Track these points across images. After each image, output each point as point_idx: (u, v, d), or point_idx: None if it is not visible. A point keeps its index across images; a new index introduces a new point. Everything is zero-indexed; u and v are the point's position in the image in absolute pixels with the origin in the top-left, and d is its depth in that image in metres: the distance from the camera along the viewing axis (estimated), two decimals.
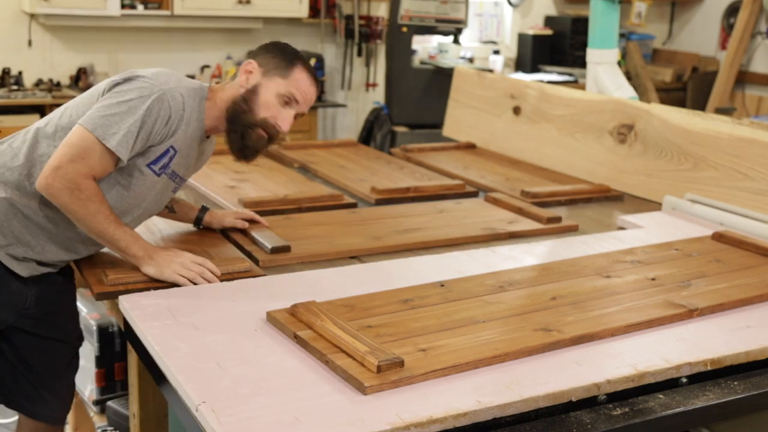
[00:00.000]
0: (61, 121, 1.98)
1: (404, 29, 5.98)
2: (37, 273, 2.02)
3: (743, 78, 6.96)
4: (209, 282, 1.96)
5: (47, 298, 2.09)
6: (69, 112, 1.99)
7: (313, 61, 6.02)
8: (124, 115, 1.88)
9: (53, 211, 1.96)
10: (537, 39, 7.08)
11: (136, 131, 1.88)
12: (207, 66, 6.08)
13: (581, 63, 5.19)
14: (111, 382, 3.01)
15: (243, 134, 2.03)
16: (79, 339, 2.29)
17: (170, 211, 2.29)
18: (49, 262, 2.03)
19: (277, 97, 2.03)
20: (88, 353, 2.80)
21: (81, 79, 5.46)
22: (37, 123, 2.04)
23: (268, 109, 2.02)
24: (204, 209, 2.34)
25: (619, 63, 3.84)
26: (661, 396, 1.59)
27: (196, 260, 1.98)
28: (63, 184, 1.84)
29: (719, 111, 6.14)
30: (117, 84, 1.94)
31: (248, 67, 2.05)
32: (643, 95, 6.79)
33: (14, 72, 5.41)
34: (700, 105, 6.95)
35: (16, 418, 3.16)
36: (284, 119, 2.04)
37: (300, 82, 2.05)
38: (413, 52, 6.31)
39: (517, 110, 3.76)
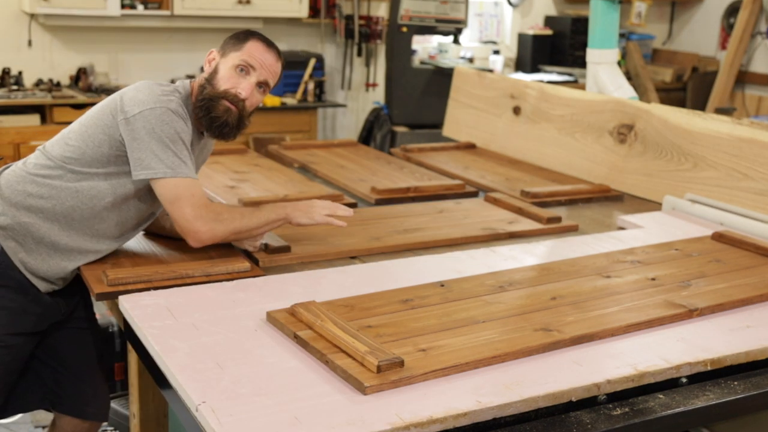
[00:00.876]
0: (67, 152, 2.05)
1: (404, 29, 5.97)
2: (65, 285, 2.14)
3: (743, 78, 6.96)
4: (344, 216, 2.21)
5: (73, 295, 2.20)
6: (80, 144, 2.05)
7: (313, 62, 6.03)
8: (168, 145, 1.98)
9: (78, 233, 2.05)
10: (537, 39, 7.08)
11: (183, 147, 2.01)
12: None
13: (581, 63, 5.19)
14: (111, 382, 3.02)
15: (208, 107, 2.11)
16: (97, 324, 2.39)
17: None
18: (75, 271, 2.12)
19: (234, 68, 2.12)
20: None
21: (81, 79, 5.45)
22: (56, 152, 2.08)
23: (227, 81, 2.12)
24: None
25: (619, 63, 3.83)
26: (661, 396, 1.59)
27: (328, 204, 2.20)
28: (205, 224, 2.00)
29: (719, 111, 6.14)
30: (128, 121, 1.99)
31: (210, 56, 2.18)
32: (643, 95, 6.79)
33: (14, 72, 5.41)
34: (700, 105, 6.94)
35: (16, 418, 3.17)
36: (244, 87, 2.12)
37: (253, 50, 2.13)
38: (413, 52, 6.31)
39: (517, 110, 3.76)
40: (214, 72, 2.14)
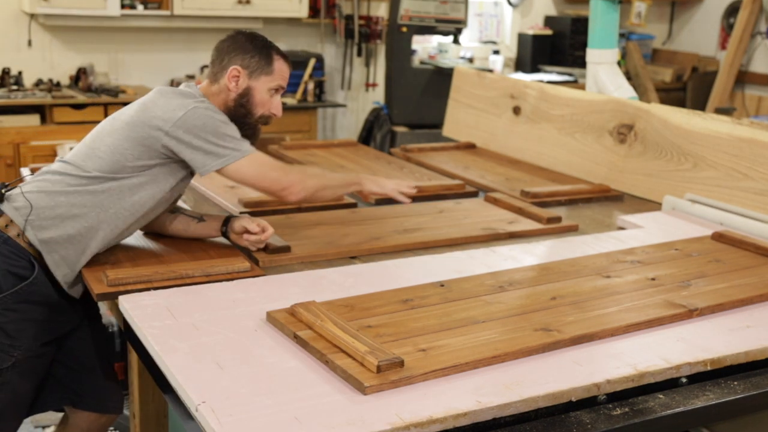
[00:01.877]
0: (103, 165, 2.08)
1: (404, 29, 5.97)
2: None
3: (743, 78, 6.96)
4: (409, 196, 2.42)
5: (83, 297, 2.19)
6: (117, 157, 2.07)
7: (312, 62, 6.03)
8: (223, 132, 2.07)
9: (118, 239, 2.13)
10: (537, 39, 7.08)
11: (233, 128, 2.11)
12: (206, 66, 6.06)
13: (581, 63, 5.19)
14: None
15: (250, 135, 2.22)
16: (100, 317, 2.42)
17: (199, 220, 2.29)
18: None
19: (268, 92, 2.22)
20: None
21: (81, 79, 5.45)
22: (89, 165, 2.09)
23: (263, 106, 2.23)
24: (228, 219, 2.27)
25: (619, 63, 3.84)
26: (661, 396, 1.59)
27: (397, 181, 2.41)
28: (295, 176, 2.14)
29: (719, 111, 6.14)
30: (175, 127, 2.03)
31: (233, 72, 2.20)
32: (643, 95, 6.79)
33: (14, 72, 5.40)
34: (700, 105, 6.94)
35: None
36: (277, 106, 2.26)
37: (283, 72, 2.25)
38: (413, 52, 6.31)
39: (517, 110, 3.76)
40: (247, 96, 2.19)
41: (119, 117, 2.13)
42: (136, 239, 2.26)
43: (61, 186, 2.07)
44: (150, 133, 2.04)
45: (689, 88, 7.31)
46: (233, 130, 2.10)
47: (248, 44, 2.21)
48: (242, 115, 2.19)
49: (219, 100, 2.19)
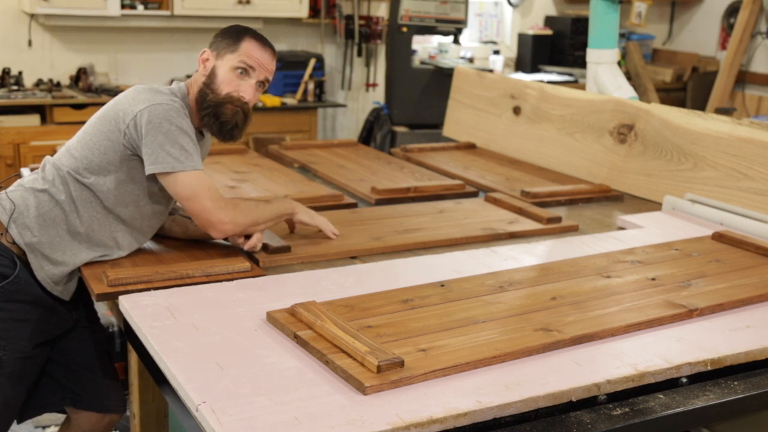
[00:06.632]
0: (74, 163, 2.08)
1: (404, 29, 5.97)
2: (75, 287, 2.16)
3: (743, 78, 6.96)
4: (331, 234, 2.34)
5: (79, 298, 2.20)
6: (86, 153, 2.07)
7: (313, 62, 6.03)
8: (175, 139, 1.99)
9: (95, 241, 2.09)
10: (537, 39, 7.08)
11: (189, 139, 2.02)
12: None
13: (581, 63, 5.19)
14: None
15: (216, 114, 2.12)
16: (98, 318, 2.41)
17: None
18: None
19: (232, 71, 2.13)
20: None
21: (81, 79, 5.45)
22: (64, 164, 2.10)
23: (228, 84, 2.12)
24: None
25: (619, 63, 3.84)
26: (661, 396, 1.59)
27: (328, 220, 2.36)
28: (227, 215, 2.03)
29: (719, 111, 6.14)
30: (134, 121, 2.01)
31: (203, 56, 2.17)
32: (643, 95, 6.79)
33: (14, 72, 5.40)
34: (700, 105, 6.94)
35: None
36: (245, 89, 2.13)
37: (249, 50, 2.13)
38: (413, 52, 6.31)
39: (517, 110, 3.76)
40: (213, 75, 2.13)
41: (95, 114, 2.14)
42: None
43: (41, 184, 2.08)
44: (114, 125, 2.04)
45: (689, 88, 7.31)
46: (187, 141, 2.02)
47: (224, 32, 2.18)
48: (207, 94, 2.11)
49: (195, 89, 2.15)
